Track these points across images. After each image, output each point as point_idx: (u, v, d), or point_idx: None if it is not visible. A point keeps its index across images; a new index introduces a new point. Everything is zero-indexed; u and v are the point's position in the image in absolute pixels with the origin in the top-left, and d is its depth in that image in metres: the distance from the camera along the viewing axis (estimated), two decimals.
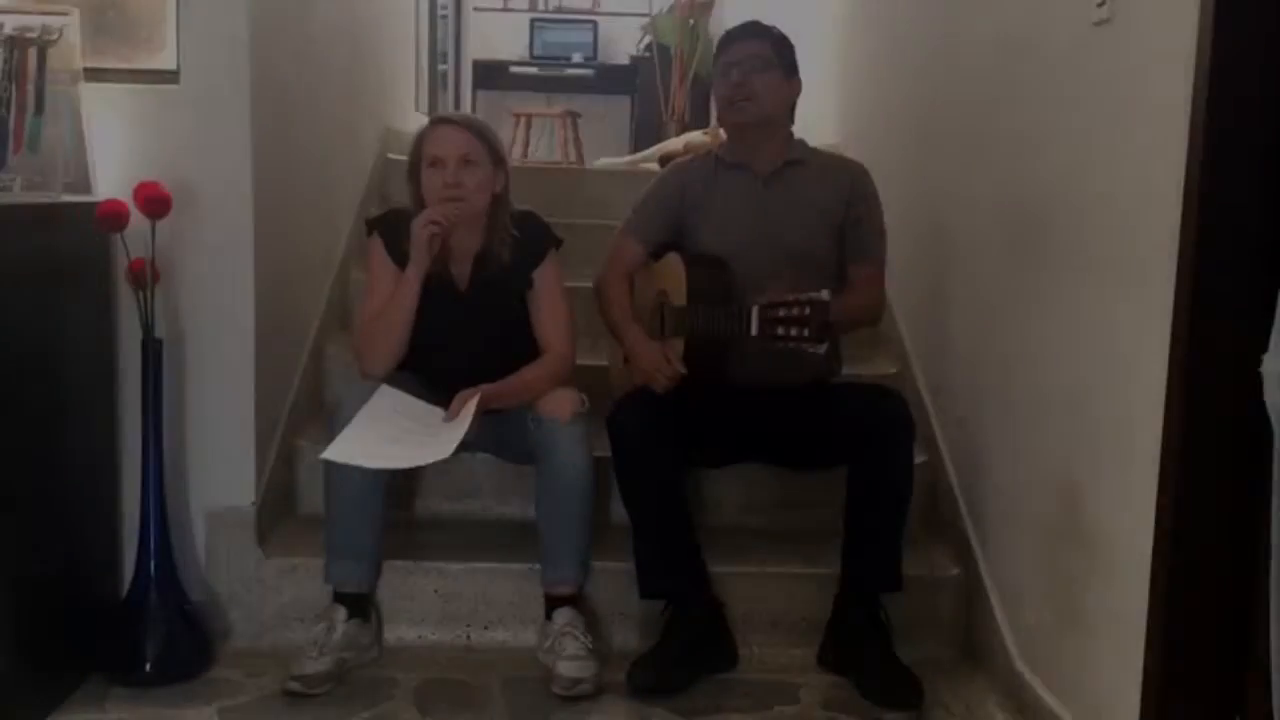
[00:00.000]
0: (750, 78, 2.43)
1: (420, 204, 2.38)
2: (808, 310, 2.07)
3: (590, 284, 2.64)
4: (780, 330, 2.09)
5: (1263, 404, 1.23)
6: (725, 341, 2.35)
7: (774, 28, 2.55)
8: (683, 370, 2.36)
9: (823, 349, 2.09)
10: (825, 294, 2.09)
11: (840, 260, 2.50)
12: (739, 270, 2.41)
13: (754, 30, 2.53)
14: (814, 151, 2.59)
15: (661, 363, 2.38)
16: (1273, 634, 1.23)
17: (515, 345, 2.45)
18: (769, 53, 2.46)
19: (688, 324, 2.38)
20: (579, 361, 2.53)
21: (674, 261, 2.49)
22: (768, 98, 2.45)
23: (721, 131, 4.46)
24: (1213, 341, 1.60)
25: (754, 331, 2.15)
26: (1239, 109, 1.57)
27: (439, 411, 2.31)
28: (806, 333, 2.07)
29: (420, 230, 2.31)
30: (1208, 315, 1.59)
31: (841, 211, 2.48)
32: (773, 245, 2.45)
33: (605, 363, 2.80)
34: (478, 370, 2.35)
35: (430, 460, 2.24)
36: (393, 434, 2.26)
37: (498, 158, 2.41)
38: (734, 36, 2.53)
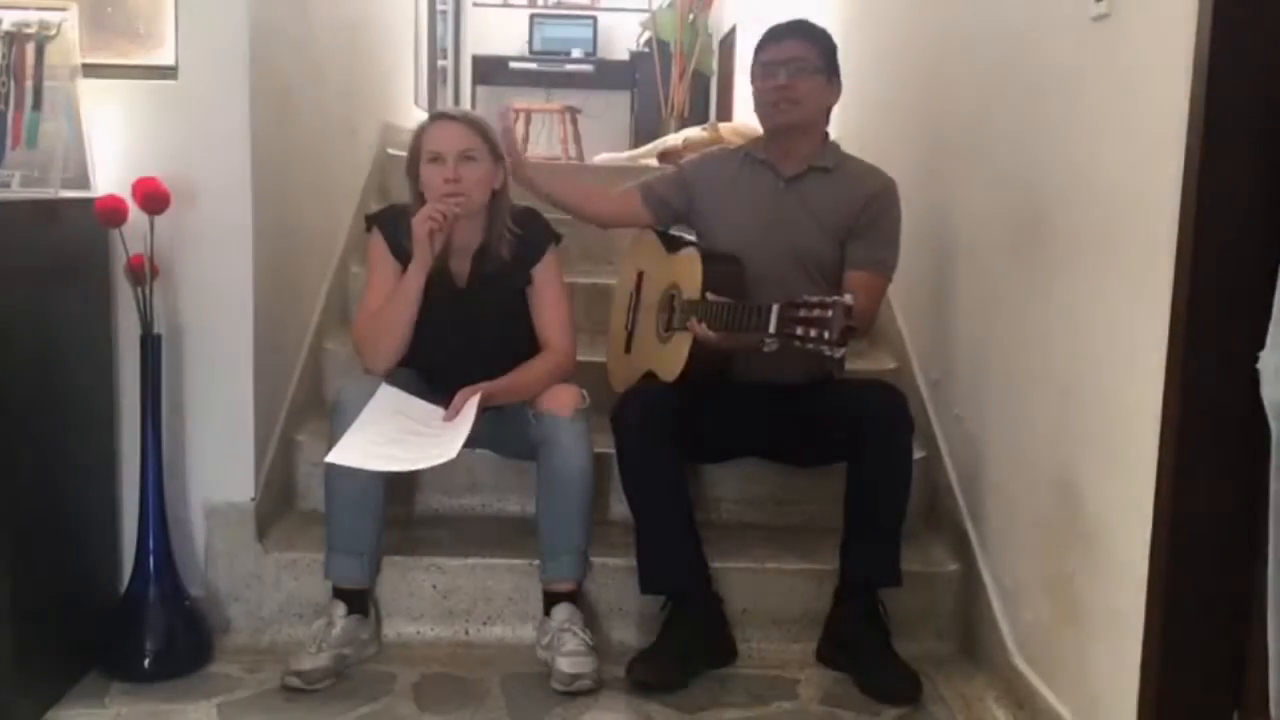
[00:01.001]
0: (796, 81, 2.41)
1: (420, 200, 2.38)
2: (830, 313, 2.00)
3: (589, 280, 2.64)
4: (800, 330, 2.04)
5: (1260, 399, 1.23)
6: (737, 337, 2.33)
7: (821, 28, 2.51)
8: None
9: (841, 353, 2.06)
10: (849, 298, 2.03)
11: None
12: (751, 268, 2.41)
13: (802, 30, 2.49)
14: (846, 159, 2.54)
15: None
16: (1270, 629, 1.23)
17: (515, 342, 2.45)
18: (815, 55, 2.43)
19: (701, 317, 2.36)
20: (579, 358, 2.53)
21: (689, 256, 2.48)
22: (810, 102, 2.43)
23: (721, 127, 4.47)
24: (1211, 337, 1.60)
25: (772, 329, 2.10)
26: (1237, 102, 1.57)
27: (439, 411, 2.31)
28: (827, 335, 2.00)
29: (419, 226, 2.31)
30: (1206, 311, 1.60)
31: (853, 218, 2.45)
32: (782, 247, 2.44)
33: (604, 359, 2.80)
34: (477, 367, 2.35)
35: (435, 463, 2.22)
36: (394, 435, 2.25)
37: (497, 153, 2.41)
38: (781, 34, 2.48)
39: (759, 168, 2.53)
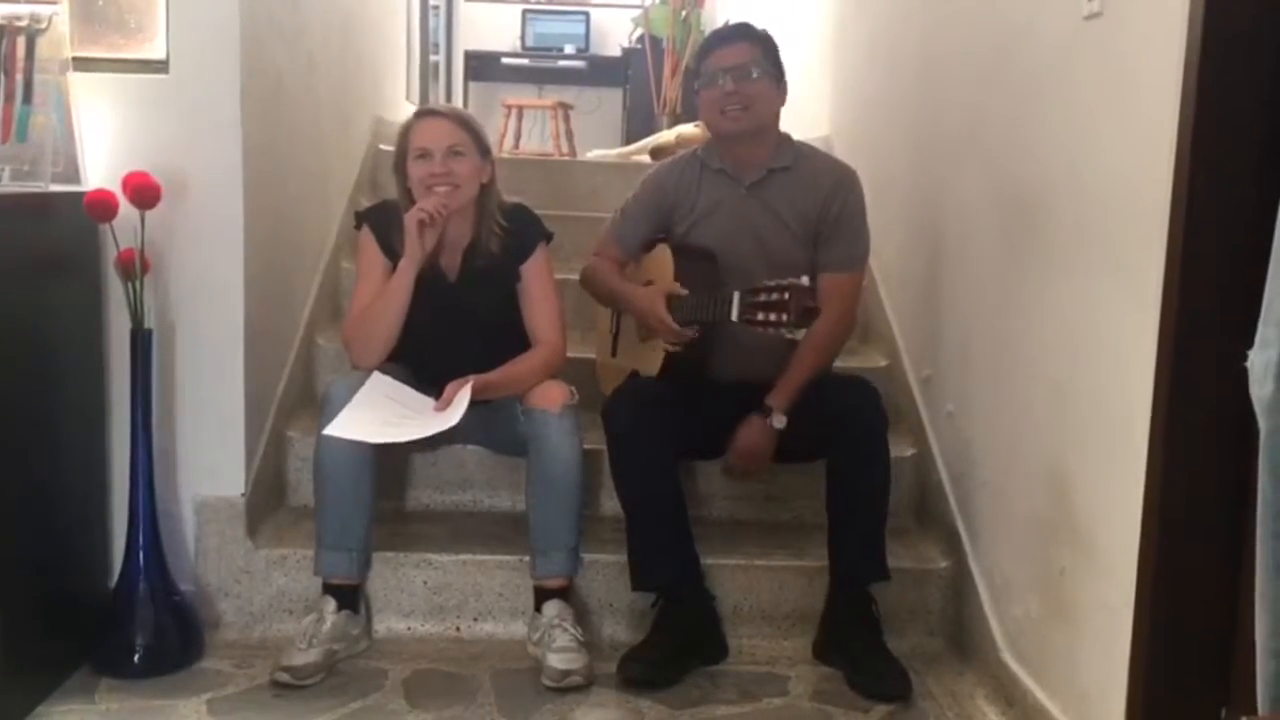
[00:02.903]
0: (744, 86, 2.39)
1: (408, 196, 2.38)
2: (787, 295, 2.08)
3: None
4: (760, 315, 2.11)
5: (1248, 397, 1.23)
6: (707, 329, 2.35)
7: (763, 31, 2.50)
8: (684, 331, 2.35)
9: (800, 334, 2.12)
10: (805, 280, 2.11)
11: None
12: (725, 268, 2.41)
13: (744, 33, 2.48)
14: (804, 154, 2.53)
15: (665, 318, 2.36)
16: (1258, 625, 1.23)
17: (505, 337, 2.45)
18: (760, 59, 2.42)
19: (672, 312, 2.38)
20: (569, 354, 2.52)
21: (662, 253, 2.49)
22: (762, 106, 2.42)
23: None
24: (1201, 334, 1.61)
25: (734, 316, 2.17)
26: (1228, 100, 1.57)
27: (430, 401, 2.31)
28: (785, 318, 2.08)
29: (410, 219, 2.31)
30: (1195, 308, 1.60)
31: (816, 217, 2.45)
32: (755, 255, 2.43)
33: (594, 355, 2.80)
34: (467, 362, 2.35)
35: (434, 430, 2.24)
36: (389, 418, 2.27)
37: (484, 148, 2.41)
38: (723, 40, 2.48)
39: (718, 176, 2.50)
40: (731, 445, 2.42)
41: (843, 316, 2.48)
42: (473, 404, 2.28)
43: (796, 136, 2.60)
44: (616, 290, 2.54)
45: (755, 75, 2.40)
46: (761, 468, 2.46)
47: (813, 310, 2.10)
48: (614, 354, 2.68)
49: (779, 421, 2.37)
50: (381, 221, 2.44)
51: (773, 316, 2.09)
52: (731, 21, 2.53)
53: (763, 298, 2.11)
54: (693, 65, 2.59)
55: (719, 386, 2.44)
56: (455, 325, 2.41)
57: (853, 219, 2.47)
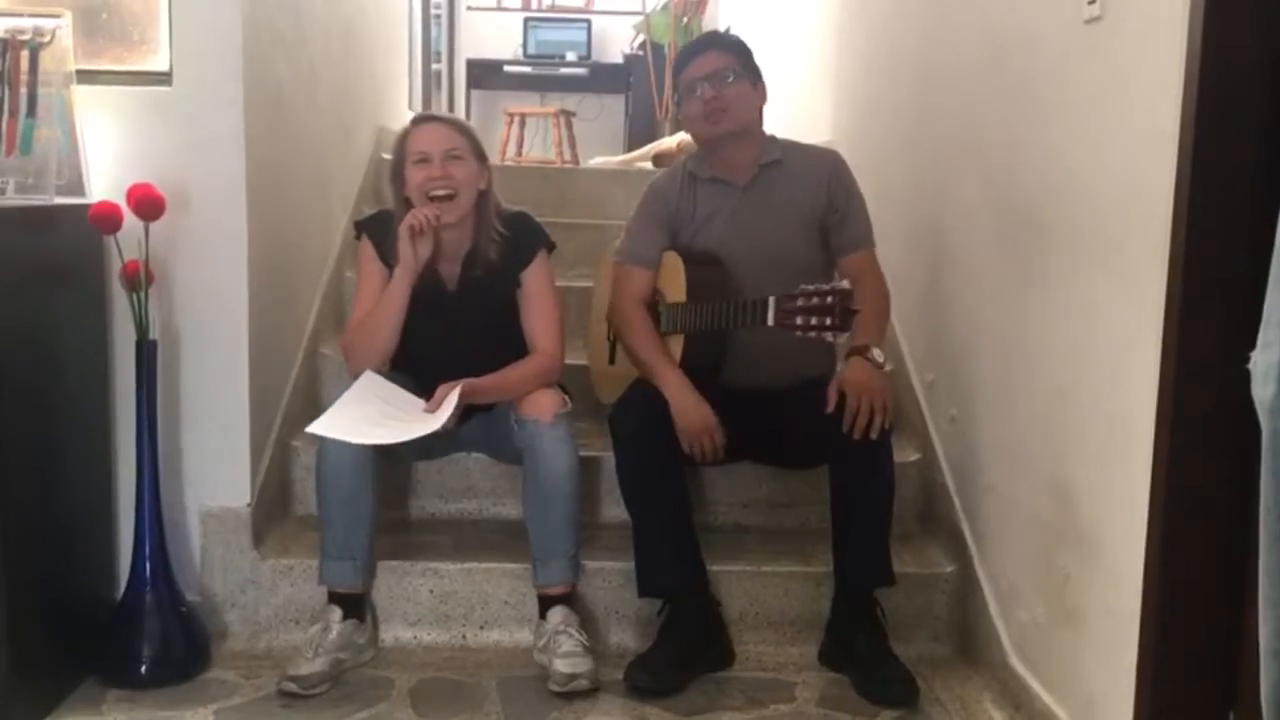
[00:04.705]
0: (723, 90, 2.42)
1: (406, 205, 2.39)
2: (830, 299, 2.08)
3: (583, 283, 2.64)
4: (800, 320, 2.10)
5: (1251, 399, 1.23)
6: (727, 337, 2.35)
7: (732, 37, 2.54)
8: (723, 442, 2.35)
9: (843, 338, 2.12)
10: (846, 283, 2.11)
11: (825, 260, 2.49)
12: (731, 281, 2.42)
13: (715, 42, 2.54)
14: (790, 148, 2.55)
15: (710, 430, 2.34)
16: (1261, 628, 1.23)
17: (504, 345, 2.45)
18: (734, 63, 2.45)
19: (691, 319, 2.38)
20: (569, 361, 2.53)
21: (670, 259, 2.49)
22: (741, 107, 2.44)
23: None
24: (1204, 337, 1.61)
25: (770, 321, 2.16)
26: (1229, 106, 1.57)
27: (421, 402, 2.32)
28: (829, 321, 2.08)
29: (403, 228, 2.32)
30: (1198, 311, 1.60)
31: (822, 206, 2.47)
32: (758, 255, 2.44)
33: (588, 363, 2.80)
34: (467, 370, 2.35)
35: (421, 434, 2.24)
36: (376, 418, 2.28)
37: (481, 154, 2.42)
38: (695, 51, 2.51)
39: (711, 184, 2.51)
40: (836, 381, 2.29)
41: (879, 287, 2.48)
42: (472, 411, 2.28)
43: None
44: (660, 370, 2.40)
45: (731, 79, 2.43)
46: (879, 400, 2.25)
47: (855, 313, 2.10)
48: (612, 361, 2.67)
49: (879, 355, 2.32)
50: (379, 231, 2.45)
51: (814, 320, 2.08)
52: (730, 29, 2.55)
53: (801, 302, 2.10)
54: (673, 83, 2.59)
55: (731, 392, 2.44)
56: (455, 333, 2.41)
57: (855, 198, 2.50)
